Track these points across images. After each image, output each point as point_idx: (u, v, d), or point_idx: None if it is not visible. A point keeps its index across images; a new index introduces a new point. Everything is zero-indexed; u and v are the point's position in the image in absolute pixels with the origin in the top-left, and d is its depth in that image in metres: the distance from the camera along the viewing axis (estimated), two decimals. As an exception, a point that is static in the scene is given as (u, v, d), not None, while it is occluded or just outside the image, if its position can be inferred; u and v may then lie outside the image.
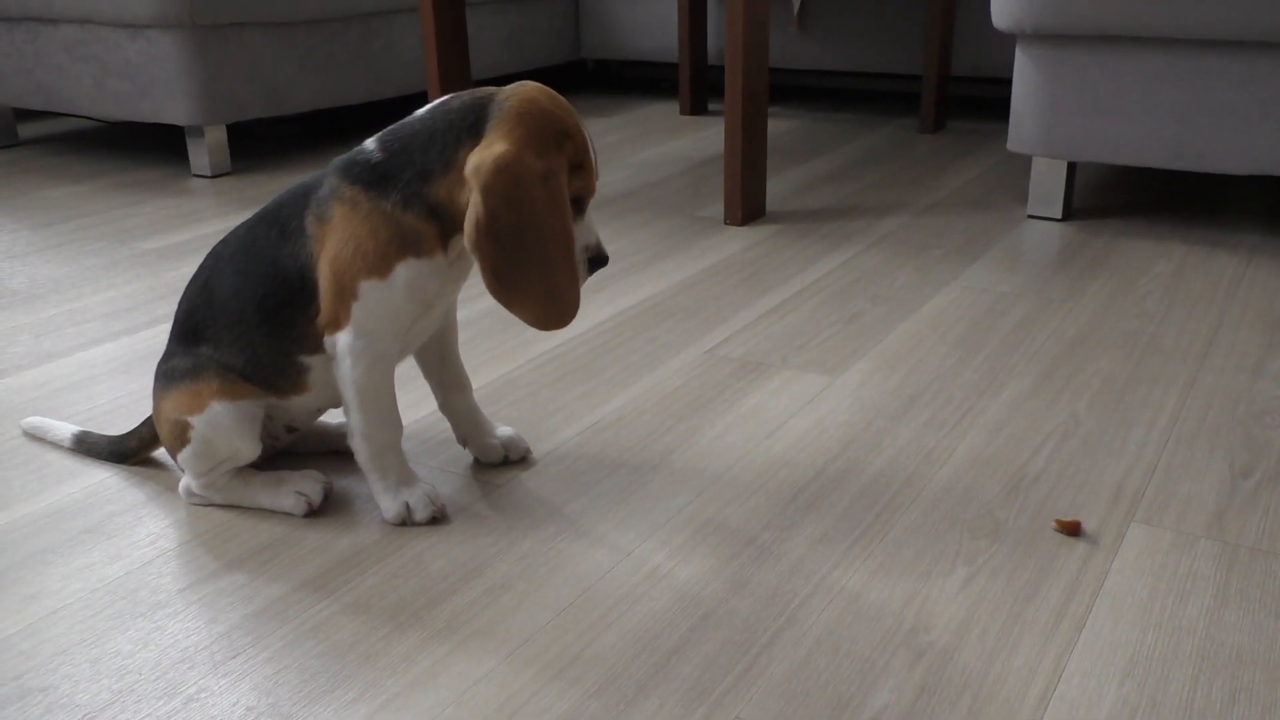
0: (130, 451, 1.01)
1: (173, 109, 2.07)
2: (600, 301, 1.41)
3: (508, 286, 0.83)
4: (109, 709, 0.70)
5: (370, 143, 0.88)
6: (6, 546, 0.89)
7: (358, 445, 0.90)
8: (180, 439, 0.92)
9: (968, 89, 2.93)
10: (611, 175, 2.10)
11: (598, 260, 0.89)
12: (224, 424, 0.90)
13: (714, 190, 1.96)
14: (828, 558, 0.85)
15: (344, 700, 0.71)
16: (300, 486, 0.93)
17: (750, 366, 1.20)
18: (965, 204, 1.84)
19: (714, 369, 1.20)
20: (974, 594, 0.80)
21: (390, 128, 0.88)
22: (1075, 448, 1.00)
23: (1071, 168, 1.70)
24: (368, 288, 0.85)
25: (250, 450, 0.92)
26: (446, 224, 0.86)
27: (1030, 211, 1.74)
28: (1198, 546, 0.85)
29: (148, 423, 1.00)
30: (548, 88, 0.87)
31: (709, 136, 2.43)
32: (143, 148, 2.46)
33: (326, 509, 0.94)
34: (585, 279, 0.89)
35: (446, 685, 0.72)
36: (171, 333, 0.95)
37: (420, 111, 0.88)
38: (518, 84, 0.86)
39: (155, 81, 2.06)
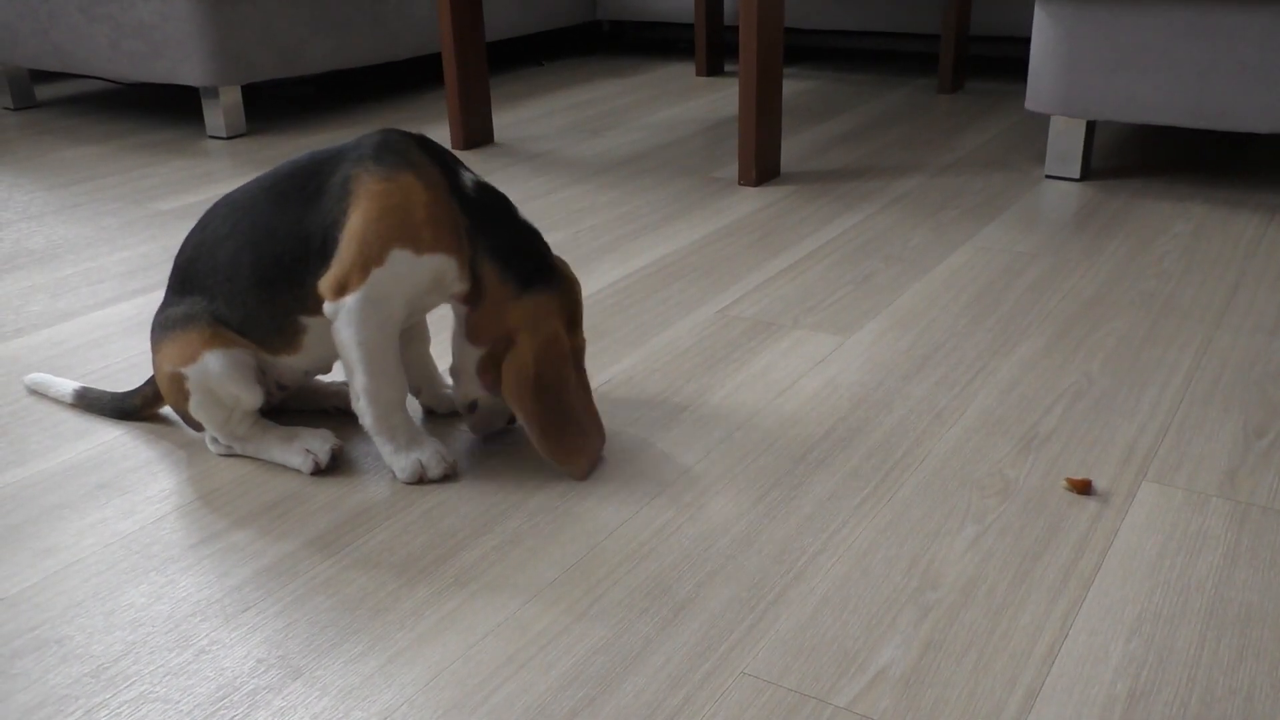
0: (133, 409, 1.02)
1: (187, 70, 2.06)
2: (612, 261, 1.41)
3: (554, 443, 0.89)
4: (122, 660, 0.71)
5: (470, 174, 0.90)
6: (23, 502, 0.90)
7: (363, 407, 0.90)
8: (179, 391, 0.92)
9: (987, 48, 2.89)
10: (626, 137, 2.09)
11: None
12: (216, 372, 0.90)
13: (729, 151, 1.95)
14: (836, 515, 0.85)
15: (354, 653, 0.71)
16: (310, 445, 0.93)
17: (762, 326, 1.20)
18: (982, 164, 1.82)
19: (726, 329, 1.20)
20: (982, 552, 0.80)
21: (490, 191, 0.91)
22: (1088, 407, 1.00)
23: (1090, 127, 1.68)
24: (399, 255, 0.85)
25: (251, 397, 0.92)
26: (477, 281, 0.90)
27: (1048, 171, 1.72)
28: (1209, 505, 0.85)
29: (151, 381, 1.01)
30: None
31: (724, 98, 2.41)
32: (158, 109, 2.46)
33: (337, 466, 0.94)
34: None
35: (455, 639, 0.73)
36: (168, 284, 0.95)
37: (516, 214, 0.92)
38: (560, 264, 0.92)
39: (169, 42, 2.06)
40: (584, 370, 0.95)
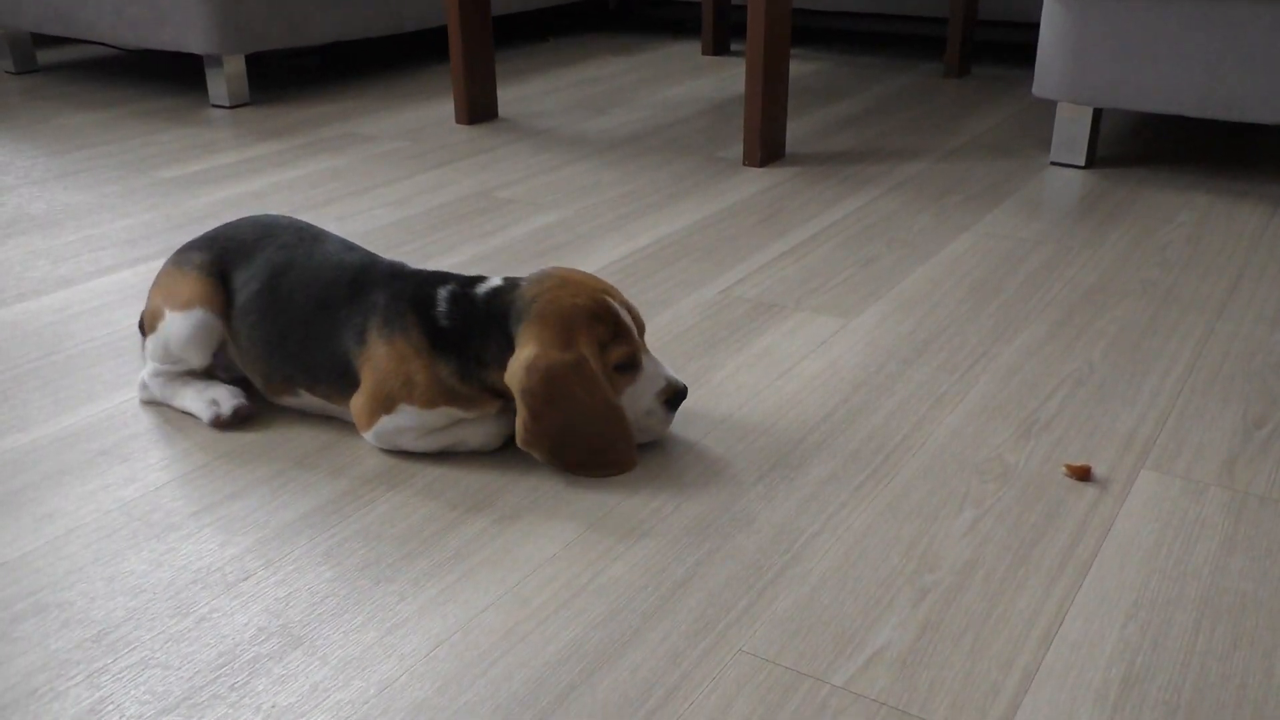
0: None
1: (192, 38, 2.05)
2: (615, 240, 1.41)
3: (573, 466, 0.87)
4: (123, 625, 0.72)
5: (444, 298, 0.89)
6: (25, 466, 0.90)
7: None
8: (152, 324, 0.98)
9: (995, 34, 2.88)
10: (631, 115, 2.08)
11: (675, 397, 0.91)
12: (187, 329, 0.95)
13: (734, 131, 1.95)
14: (835, 497, 0.85)
15: (353, 624, 0.72)
16: (217, 395, 0.96)
17: (764, 307, 1.20)
18: (988, 150, 1.82)
19: (728, 309, 1.20)
20: (980, 536, 0.80)
21: (463, 290, 0.89)
22: (1088, 394, 1.00)
23: (1097, 114, 1.68)
24: (409, 409, 0.89)
25: (200, 360, 0.97)
26: (506, 399, 0.90)
27: (1053, 158, 1.72)
28: (1207, 494, 0.85)
29: None
30: (573, 272, 0.90)
31: (730, 77, 2.40)
32: (161, 76, 2.45)
33: (340, 437, 0.95)
34: (669, 420, 0.91)
35: (453, 612, 0.73)
36: (205, 238, 1.00)
37: (486, 287, 0.90)
38: (546, 276, 0.88)
39: (174, 9, 2.05)
40: (624, 366, 0.89)
